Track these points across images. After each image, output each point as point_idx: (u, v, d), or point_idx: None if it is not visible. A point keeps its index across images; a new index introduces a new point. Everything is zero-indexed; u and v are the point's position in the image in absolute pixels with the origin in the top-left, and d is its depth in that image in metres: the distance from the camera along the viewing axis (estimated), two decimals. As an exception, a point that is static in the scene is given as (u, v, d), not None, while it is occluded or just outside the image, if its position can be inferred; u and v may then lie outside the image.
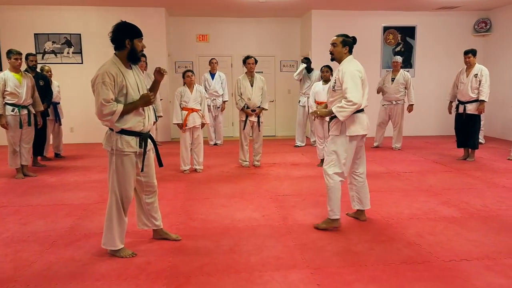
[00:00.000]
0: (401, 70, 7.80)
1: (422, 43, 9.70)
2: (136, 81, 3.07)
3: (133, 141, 3.02)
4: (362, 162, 3.84)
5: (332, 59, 3.76)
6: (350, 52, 3.68)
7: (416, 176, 5.75)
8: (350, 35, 3.70)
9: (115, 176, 3.03)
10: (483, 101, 6.41)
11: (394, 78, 7.72)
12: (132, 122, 2.99)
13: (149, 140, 3.15)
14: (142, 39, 3.05)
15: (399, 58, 7.84)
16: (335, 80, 3.64)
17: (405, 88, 7.72)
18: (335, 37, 3.68)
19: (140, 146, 3.04)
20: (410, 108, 7.79)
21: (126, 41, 2.95)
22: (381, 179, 5.58)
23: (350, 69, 3.53)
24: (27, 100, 5.68)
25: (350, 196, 3.98)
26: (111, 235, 3.10)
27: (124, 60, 3.01)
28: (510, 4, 8.82)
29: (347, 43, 3.64)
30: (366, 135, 3.72)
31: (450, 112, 7.05)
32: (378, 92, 8.01)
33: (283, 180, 5.61)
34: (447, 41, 9.69)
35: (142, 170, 3.14)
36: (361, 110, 3.63)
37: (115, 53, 3.03)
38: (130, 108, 2.97)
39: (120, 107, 2.90)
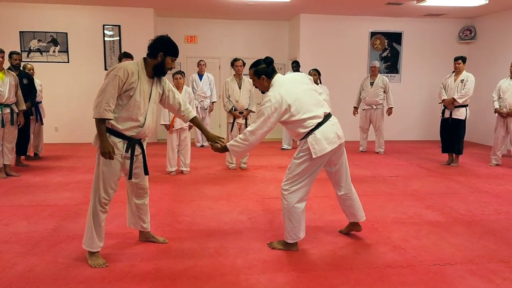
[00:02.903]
0: (379, 75, 7.94)
1: (408, 49, 9.83)
2: (151, 91, 3.03)
3: (120, 144, 2.97)
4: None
5: (263, 92, 3.36)
6: (270, 75, 3.25)
7: (401, 180, 5.81)
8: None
9: (98, 174, 3.00)
10: (455, 100, 6.50)
11: (373, 82, 7.84)
12: (125, 125, 2.95)
13: (137, 147, 3.07)
14: (176, 59, 3.07)
15: (377, 63, 7.97)
16: None
17: (384, 92, 7.84)
18: (249, 71, 3.36)
19: (127, 151, 3.01)
20: (390, 111, 7.91)
21: (159, 53, 2.95)
22: (366, 183, 5.62)
23: (266, 99, 3.13)
24: (10, 98, 5.57)
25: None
26: (90, 234, 3.04)
27: (150, 68, 3.00)
28: (494, 12, 9.00)
29: (260, 72, 3.24)
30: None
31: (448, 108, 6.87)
32: (358, 103, 8.08)
33: (269, 182, 5.61)
34: (432, 47, 9.84)
35: (130, 177, 3.10)
36: (322, 124, 3.15)
37: (144, 58, 3.03)
38: (100, 132, 2.86)
39: (107, 116, 2.82)
